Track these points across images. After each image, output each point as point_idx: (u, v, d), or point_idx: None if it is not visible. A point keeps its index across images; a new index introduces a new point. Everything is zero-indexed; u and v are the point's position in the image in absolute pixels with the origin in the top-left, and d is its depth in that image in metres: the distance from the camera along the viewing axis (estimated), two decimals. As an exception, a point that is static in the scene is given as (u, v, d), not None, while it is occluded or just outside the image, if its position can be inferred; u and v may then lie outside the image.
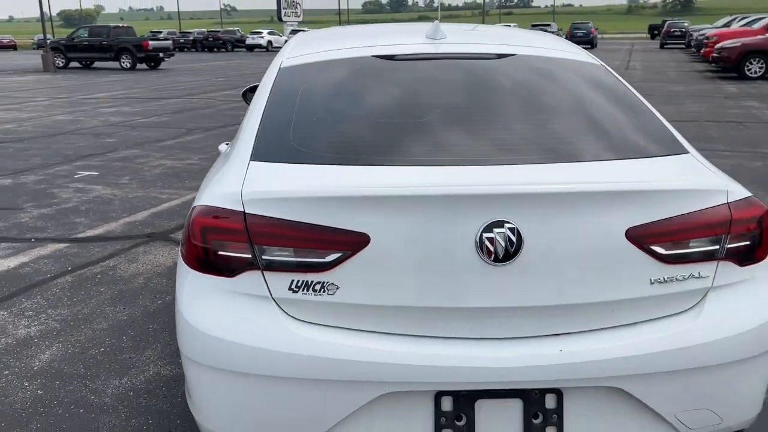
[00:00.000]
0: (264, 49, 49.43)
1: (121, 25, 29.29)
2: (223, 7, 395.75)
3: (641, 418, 1.67)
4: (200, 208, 1.74)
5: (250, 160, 1.86)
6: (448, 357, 1.59)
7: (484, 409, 1.63)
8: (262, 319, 1.63)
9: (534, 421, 1.64)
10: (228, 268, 1.67)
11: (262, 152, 1.88)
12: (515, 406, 1.63)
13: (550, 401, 1.64)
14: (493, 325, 1.63)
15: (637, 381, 1.63)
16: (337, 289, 1.61)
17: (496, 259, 1.57)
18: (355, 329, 1.63)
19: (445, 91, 2.18)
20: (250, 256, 1.64)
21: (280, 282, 1.63)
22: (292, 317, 1.64)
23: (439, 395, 1.62)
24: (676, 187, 1.69)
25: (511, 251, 1.57)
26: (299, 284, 1.62)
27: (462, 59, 2.37)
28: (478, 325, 1.63)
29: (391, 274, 1.59)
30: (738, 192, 1.78)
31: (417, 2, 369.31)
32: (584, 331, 1.65)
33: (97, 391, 2.76)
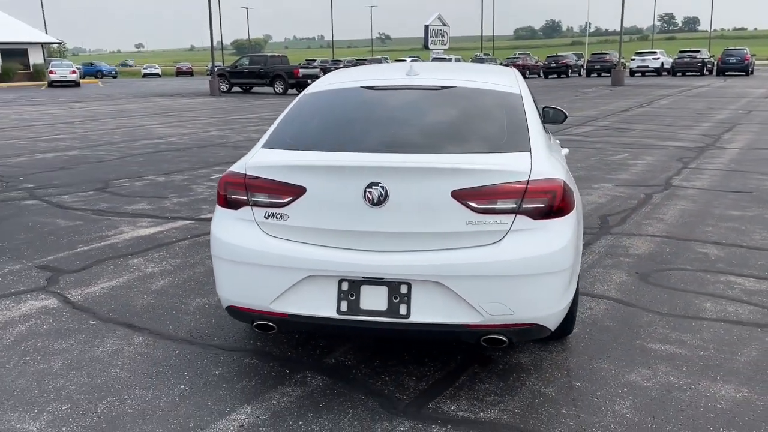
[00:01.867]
0: (407, 75, 51.80)
1: (277, 54, 32.60)
2: (378, 35, 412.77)
3: (458, 304, 2.76)
4: (224, 174, 3.10)
5: (261, 147, 3.19)
6: (346, 258, 2.79)
7: (365, 291, 2.81)
8: (249, 232, 2.94)
9: (394, 300, 2.79)
10: (234, 205, 2.99)
11: (269, 143, 3.21)
12: (383, 290, 2.80)
13: (404, 288, 2.78)
14: (372, 242, 2.81)
15: (452, 280, 2.73)
16: (289, 217, 2.88)
17: (373, 204, 2.77)
18: (296, 240, 2.89)
19: (391, 109, 3.40)
20: (245, 198, 2.95)
21: (259, 213, 2.93)
22: (265, 232, 2.93)
23: (341, 281, 2.82)
24: (488, 168, 2.78)
25: (381, 200, 2.76)
26: (268, 214, 2.91)
27: (416, 89, 3.57)
28: (363, 241, 2.82)
29: (317, 209, 2.84)
30: (541, 174, 2.82)
31: (571, 27, 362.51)
32: (424, 250, 2.78)
33: (186, 303, 4.22)
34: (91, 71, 59.83)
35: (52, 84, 39.79)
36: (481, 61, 49.40)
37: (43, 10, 55.74)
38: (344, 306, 2.81)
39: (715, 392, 3.07)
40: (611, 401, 3.00)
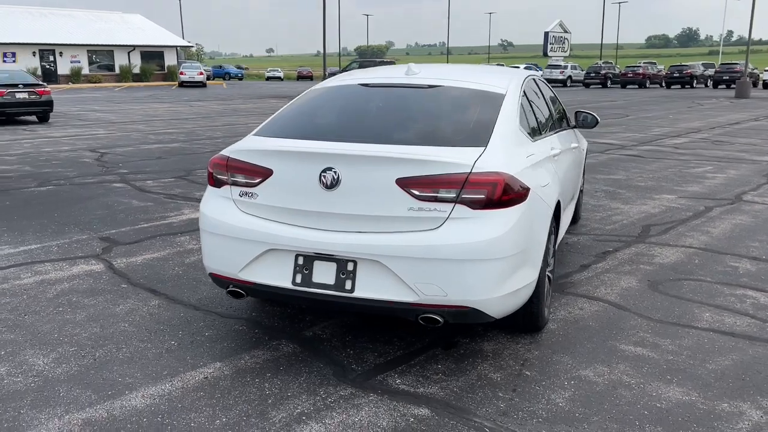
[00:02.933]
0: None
1: (386, 60, 33.45)
2: (500, 42, 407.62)
3: (397, 283, 2.98)
4: (213, 156, 3.50)
5: (252, 135, 3.57)
6: (302, 235, 3.10)
7: (317, 266, 3.10)
8: (226, 208, 3.32)
9: (341, 276, 3.06)
10: (218, 183, 3.39)
11: (259, 132, 3.58)
12: (333, 266, 3.08)
13: (350, 266, 3.05)
14: (325, 222, 3.10)
15: (392, 260, 2.96)
16: (258, 196, 3.23)
17: (327, 187, 3.06)
18: (263, 217, 3.23)
19: (373, 104, 3.67)
20: (226, 178, 3.34)
21: (236, 191, 3.31)
22: (239, 209, 3.30)
23: (297, 255, 3.13)
24: (431, 159, 2.98)
25: (334, 184, 3.04)
26: (242, 193, 3.28)
27: (405, 87, 3.82)
28: (319, 221, 3.11)
29: (281, 190, 3.17)
30: (485, 168, 2.99)
31: (711, 36, 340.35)
32: (370, 232, 3.03)
33: (207, 276, 4.68)
34: (220, 73, 63.74)
35: (182, 84, 42.89)
36: (528, 67, 47.71)
37: (181, 17, 60.19)
38: (299, 278, 3.12)
39: (662, 393, 3.09)
40: (551, 390, 3.10)
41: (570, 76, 47.88)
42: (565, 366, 3.36)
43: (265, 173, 3.20)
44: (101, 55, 46.37)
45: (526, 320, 3.60)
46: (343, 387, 3.12)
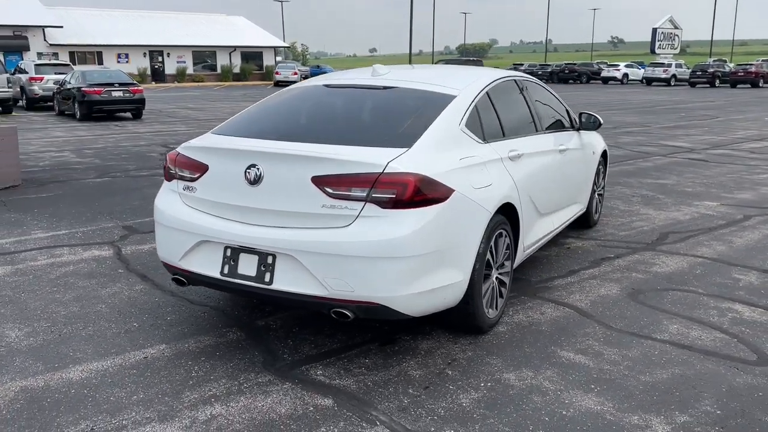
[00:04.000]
0: (618, 82, 49.23)
1: (472, 59, 33.21)
2: (610, 39, 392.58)
3: (309, 277, 3.10)
4: (170, 152, 3.75)
5: (210, 132, 3.79)
6: (230, 228, 3.28)
7: (242, 258, 3.27)
8: (172, 200, 3.56)
9: (262, 268, 3.22)
10: (170, 177, 3.63)
11: (216, 130, 3.80)
12: (255, 258, 3.24)
13: (270, 259, 3.20)
14: (250, 216, 3.26)
15: (304, 255, 3.08)
16: (197, 190, 3.45)
17: (251, 183, 3.23)
18: (200, 210, 3.44)
19: (329, 105, 3.80)
20: (175, 172, 3.58)
21: (180, 185, 3.54)
22: (182, 201, 3.52)
23: (225, 247, 3.32)
24: (345, 158, 3.08)
25: (257, 180, 3.21)
26: (185, 187, 3.51)
27: (362, 88, 3.92)
28: (244, 215, 3.28)
29: (214, 185, 3.36)
30: (398, 168, 3.05)
31: None
32: (288, 227, 3.17)
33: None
34: (317, 73, 65.43)
35: (278, 84, 44.43)
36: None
37: (282, 19, 62.32)
38: (226, 269, 3.30)
39: (575, 402, 3.03)
40: (463, 391, 3.12)
41: (674, 75, 45.50)
42: (492, 368, 3.35)
43: (203, 168, 3.41)
44: (204, 56, 48.89)
45: (462, 321, 3.61)
46: (264, 375, 3.28)
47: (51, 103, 22.21)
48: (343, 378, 3.24)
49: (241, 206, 3.27)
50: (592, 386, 3.18)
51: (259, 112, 3.92)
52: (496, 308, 3.83)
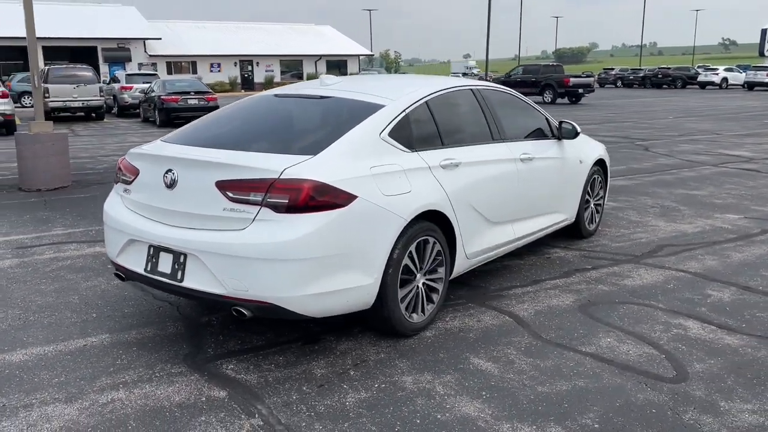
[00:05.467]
0: (717, 87, 46.65)
1: (551, 63, 32.49)
2: (721, 41, 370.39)
3: (211, 276, 3.30)
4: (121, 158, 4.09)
5: (159, 139, 4.10)
6: (152, 229, 3.55)
7: (161, 256, 3.53)
8: (116, 203, 3.88)
9: (175, 267, 3.46)
10: (116, 180, 3.96)
11: (165, 136, 4.10)
12: (170, 257, 3.48)
13: (182, 258, 3.43)
14: (168, 217, 3.51)
15: (206, 256, 3.29)
16: (131, 192, 3.74)
17: (168, 187, 3.48)
18: (133, 210, 3.73)
19: (267, 114, 4.02)
20: (119, 176, 3.90)
21: (121, 188, 3.85)
22: (123, 203, 3.83)
23: (149, 246, 3.59)
24: (244, 164, 3.27)
25: (173, 184, 3.46)
26: (124, 189, 3.82)
27: (302, 98, 4.12)
28: (164, 216, 3.53)
29: (143, 188, 3.65)
30: (294, 174, 3.21)
31: None
32: (196, 228, 3.39)
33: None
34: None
35: (360, 90, 45.17)
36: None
37: (370, 28, 63.49)
38: (149, 266, 3.58)
39: (456, 407, 3.08)
40: (354, 390, 3.23)
41: (779, 79, 42.59)
42: (395, 371, 3.44)
43: (136, 172, 3.71)
44: (291, 64, 50.55)
45: (379, 324, 3.72)
46: (179, 366, 3.52)
47: (138, 111, 23.77)
48: (250, 373, 3.43)
49: (162, 208, 3.53)
50: (483, 393, 3.21)
51: (206, 120, 4.19)
52: (424, 313, 3.90)
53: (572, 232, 5.98)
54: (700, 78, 47.23)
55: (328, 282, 3.30)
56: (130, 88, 24.70)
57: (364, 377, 3.37)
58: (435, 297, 3.99)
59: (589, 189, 5.90)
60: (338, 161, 3.41)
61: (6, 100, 16.84)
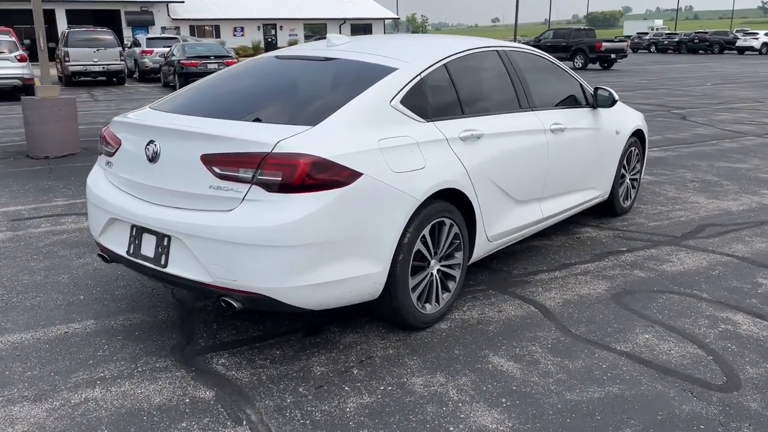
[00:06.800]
0: (756, 53, 44.85)
1: (583, 27, 31.33)
2: (761, 4, 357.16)
3: (196, 262, 2.92)
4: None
5: (149, 107, 3.70)
6: (134, 207, 3.17)
7: (145, 238, 3.15)
8: (99, 176, 3.50)
9: (159, 250, 3.08)
10: (100, 152, 3.58)
11: (157, 104, 3.70)
12: (153, 239, 3.11)
13: (165, 241, 3.05)
14: (151, 195, 3.13)
15: (190, 239, 2.91)
16: (113, 165, 3.36)
17: (150, 160, 3.09)
18: (116, 186, 3.36)
19: (266, 78, 3.58)
20: (103, 146, 3.52)
21: (104, 160, 3.47)
22: (105, 177, 3.46)
23: (132, 226, 3.22)
24: (233, 136, 2.86)
25: (155, 157, 3.07)
26: (106, 162, 3.43)
27: (305, 60, 3.68)
28: (147, 193, 3.15)
29: (124, 161, 3.26)
30: (289, 148, 2.80)
31: None
32: (181, 208, 3.00)
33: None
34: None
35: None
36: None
37: (397, -12, 61.96)
38: (132, 248, 3.21)
39: (471, 416, 2.69)
40: (356, 393, 2.86)
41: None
42: (404, 370, 3.05)
43: (118, 143, 3.32)
44: (315, 28, 49.64)
45: (389, 316, 3.33)
46: (165, 359, 3.17)
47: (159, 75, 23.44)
48: (242, 369, 3.07)
49: (144, 184, 3.15)
50: (503, 400, 2.81)
51: (200, 85, 3.77)
52: (438, 303, 3.50)
53: (605, 209, 5.50)
54: (739, 43, 45.42)
55: (327, 271, 2.90)
56: (151, 53, 24.35)
57: (369, 377, 2.99)
58: (451, 285, 3.58)
59: (625, 162, 5.39)
60: (341, 133, 2.98)
61: (24, 63, 16.58)
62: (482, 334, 3.42)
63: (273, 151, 2.80)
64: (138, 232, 3.18)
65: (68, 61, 20.94)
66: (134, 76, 25.62)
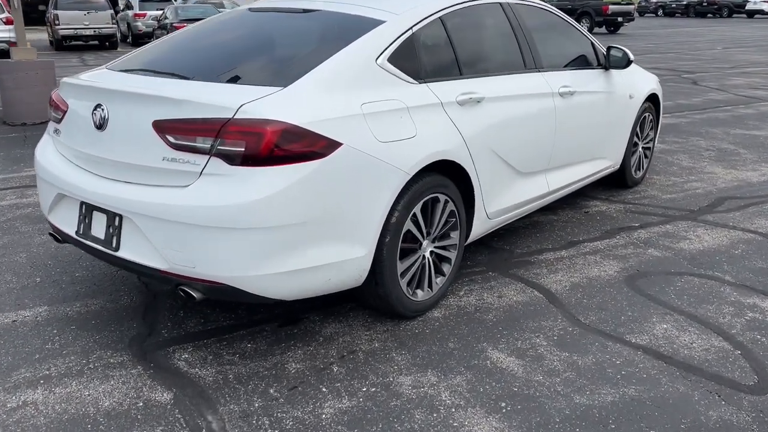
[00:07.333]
0: (767, 16, 43.78)
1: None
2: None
3: (149, 245, 2.54)
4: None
5: (105, 67, 3.26)
6: (82, 182, 2.77)
7: (95, 216, 2.76)
8: (47, 146, 3.09)
9: (109, 231, 2.69)
10: (50, 119, 3.16)
11: (114, 63, 3.26)
12: (104, 218, 2.71)
13: (117, 220, 2.66)
14: (101, 167, 2.73)
15: (141, 219, 2.51)
16: (62, 133, 2.95)
17: (97, 127, 2.68)
18: (65, 157, 2.95)
19: (236, 32, 3.14)
20: (51, 112, 3.10)
21: (53, 126, 3.05)
22: (54, 147, 3.05)
23: (81, 203, 2.82)
24: (189, 99, 2.44)
25: (103, 124, 2.65)
26: (54, 129, 3.02)
27: (282, 12, 3.24)
28: (97, 166, 2.75)
29: (72, 128, 2.85)
30: (254, 113, 2.38)
31: None
32: (132, 183, 2.60)
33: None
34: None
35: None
36: None
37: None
38: (81, 228, 2.82)
39: (466, 425, 2.33)
40: (335, 396, 2.49)
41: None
42: (391, 367, 2.69)
43: (65, 108, 2.91)
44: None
45: (375, 303, 2.95)
46: (122, 354, 2.80)
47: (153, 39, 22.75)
48: (207, 366, 2.71)
49: (93, 155, 2.75)
50: (503, 405, 2.44)
51: (163, 41, 3.33)
52: (431, 289, 3.11)
53: (615, 181, 5.08)
54: (749, 6, 44.26)
55: (301, 256, 2.51)
56: (144, 15, 23.60)
57: (350, 376, 2.63)
58: (446, 268, 3.20)
59: (638, 130, 4.96)
60: (317, 95, 2.56)
61: (11, 26, 15.98)
62: (480, 323, 3.04)
63: (235, 117, 2.38)
64: (88, 210, 2.78)
65: (58, 25, 20.26)
66: (128, 40, 24.91)
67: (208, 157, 2.41)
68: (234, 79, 2.65)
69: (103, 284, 3.47)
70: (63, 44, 20.81)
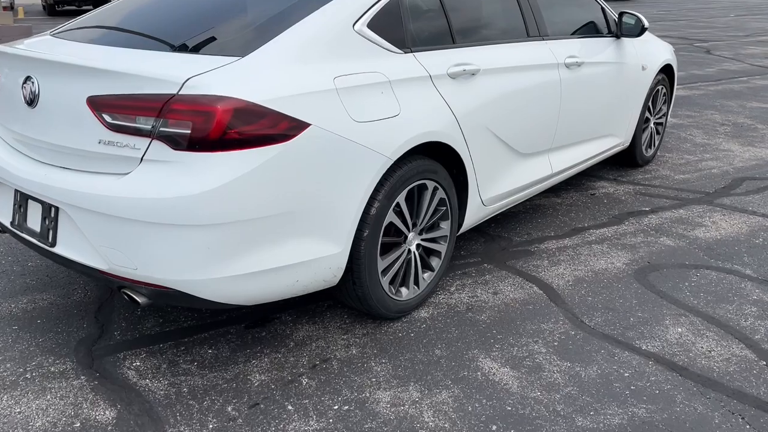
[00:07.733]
0: (779, -17, 42.59)
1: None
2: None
3: (86, 242, 2.20)
4: None
5: (49, 33, 2.88)
6: (15, 167, 2.41)
7: (30, 206, 2.41)
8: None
9: (45, 223, 2.34)
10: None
11: (59, 29, 2.88)
12: (39, 208, 2.36)
13: (53, 212, 2.30)
14: (35, 150, 2.37)
15: (76, 211, 2.16)
16: (-4, 112, 2.59)
17: (28, 103, 2.31)
18: (1, 137, 2.59)
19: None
20: None
21: None
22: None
23: (16, 191, 2.47)
24: (130, 71, 2.07)
25: (33, 99, 2.29)
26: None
27: None
28: (30, 148, 2.39)
29: (4, 104, 2.48)
30: (204, 87, 2.01)
31: None
32: (68, 169, 2.24)
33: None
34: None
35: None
36: None
37: None
38: (17, 219, 2.47)
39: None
40: (301, 416, 2.17)
41: None
42: (369, 380, 2.36)
43: (-2, 82, 2.54)
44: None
45: (353, 304, 2.62)
46: (64, 361, 2.48)
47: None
48: (160, 377, 2.38)
49: (26, 136, 2.39)
50: (494, 428, 2.12)
51: (115, 6, 2.94)
52: (418, 286, 2.77)
53: (624, 159, 4.71)
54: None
55: (262, 256, 2.16)
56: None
57: (321, 390, 2.30)
58: (435, 262, 2.85)
59: (650, 104, 4.57)
60: (280, 67, 2.19)
61: (-1, -9, 15.46)
62: (472, 325, 2.70)
63: (179, 93, 2.02)
64: (22, 198, 2.43)
65: (50, -11, 19.67)
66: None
67: (149, 140, 2.05)
68: (184, 48, 2.27)
69: (56, 276, 3.14)
70: (56, 9, 20.23)
